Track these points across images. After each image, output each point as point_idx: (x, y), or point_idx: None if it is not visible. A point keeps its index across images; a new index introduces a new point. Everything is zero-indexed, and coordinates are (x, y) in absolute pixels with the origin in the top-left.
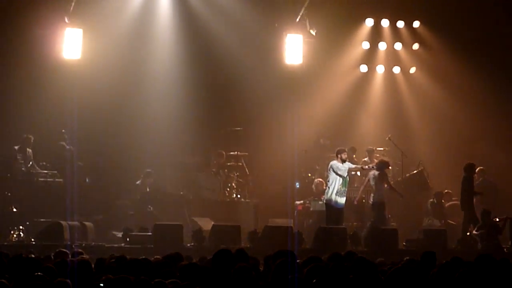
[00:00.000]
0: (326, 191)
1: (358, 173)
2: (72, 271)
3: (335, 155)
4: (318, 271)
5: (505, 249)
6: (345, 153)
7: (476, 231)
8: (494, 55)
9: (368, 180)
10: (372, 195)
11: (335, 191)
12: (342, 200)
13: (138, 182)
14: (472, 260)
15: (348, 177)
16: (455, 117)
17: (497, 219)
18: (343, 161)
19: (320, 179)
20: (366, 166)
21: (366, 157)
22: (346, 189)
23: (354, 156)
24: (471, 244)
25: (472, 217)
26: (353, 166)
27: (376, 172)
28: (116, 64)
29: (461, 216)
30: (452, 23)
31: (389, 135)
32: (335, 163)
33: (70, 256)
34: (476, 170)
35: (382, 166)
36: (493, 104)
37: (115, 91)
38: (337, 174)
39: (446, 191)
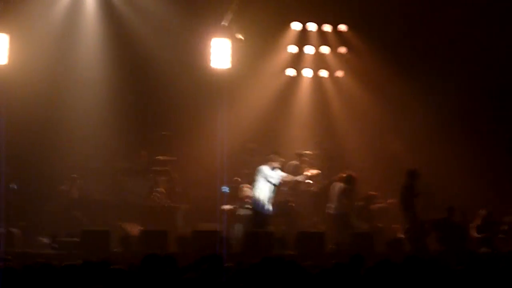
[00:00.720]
0: (254, 196)
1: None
2: None
3: (265, 160)
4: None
5: (432, 251)
6: (277, 161)
7: (404, 233)
8: (419, 59)
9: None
10: (332, 205)
11: (264, 197)
12: (270, 206)
13: (63, 187)
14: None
15: (275, 183)
16: (382, 120)
17: (425, 221)
18: (273, 168)
19: (248, 185)
20: (303, 179)
21: (295, 161)
22: (274, 195)
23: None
24: (399, 246)
25: (414, 220)
26: (286, 176)
27: (343, 185)
28: (43, 70)
29: (388, 218)
30: (379, 26)
31: (317, 139)
32: (266, 169)
33: None
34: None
35: (350, 180)
36: (417, 106)
37: (41, 96)
38: (267, 180)
39: (371, 193)
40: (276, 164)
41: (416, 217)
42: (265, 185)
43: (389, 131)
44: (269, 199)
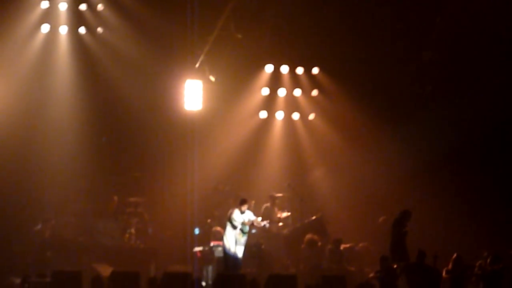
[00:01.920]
0: (224, 239)
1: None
2: None
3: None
4: None
5: None
6: (246, 204)
7: (374, 275)
8: (390, 102)
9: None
10: None
11: (232, 240)
12: (240, 248)
13: (37, 228)
14: None
15: (246, 226)
16: (352, 161)
17: (395, 265)
18: (242, 212)
19: (218, 228)
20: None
21: (268, 203)
22: (245, 237)
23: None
24: None
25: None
26: (248, 219)
27: None
28: (16, 110)
29: (360, 261)
30: (349, 70)
31: (288, 182)
32: (233, 213)
33: None
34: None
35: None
36: (387, 146)
37: (13, 134)
38: (232, 224)
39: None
40: (244, 208)
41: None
42: (232, 228)
43: (361, 173)
44: (239, 241)
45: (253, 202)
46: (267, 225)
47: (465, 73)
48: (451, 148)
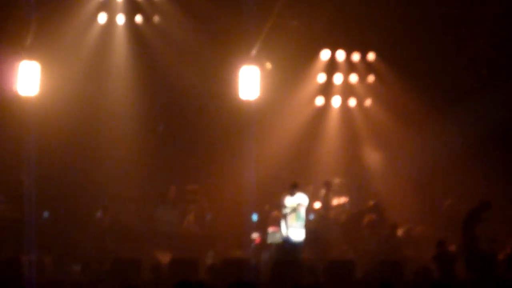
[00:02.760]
0: (281, 225)
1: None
2: None
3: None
4: None
5: (461, 280)
6: (296, 188)
7: (432, 261)
8: (444, 85)
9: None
10: None
11: (287, 226)
12: (297, 234)
13: (97, 215)
14: None
15: (299, 210)
16: (410, 148)
17: (453, 248)
18: (293, 195)
19: (276, 213)
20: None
21: (324, 189)
22: (301, 222)
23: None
24: (427, 274)
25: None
26: (299, 203)
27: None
28: (74, 99)
29: (417, 246)
30: (407, 55)
31: (346, 168)
32: (283, 198)
33: None
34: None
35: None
36: (445, 133)
37: (73, 125)
38: (284, 209)
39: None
40: (295, 192)
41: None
42: (286, 214)
43: (418, 159)
44: (294, 226)
45: (311, 187)
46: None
47: None
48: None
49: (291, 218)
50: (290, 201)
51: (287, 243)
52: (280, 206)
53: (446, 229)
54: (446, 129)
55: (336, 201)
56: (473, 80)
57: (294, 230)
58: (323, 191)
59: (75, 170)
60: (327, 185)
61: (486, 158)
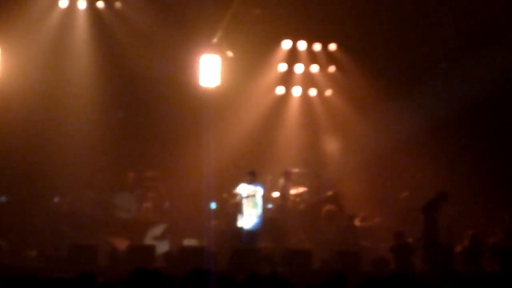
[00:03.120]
0: (238, 213)
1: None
2: None
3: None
4: None
5: (417, 271)
6: (252, 176)
7: (389, 252)
8: (408, 78)
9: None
10: None
11: (243, 213)
12: (252, 221)
13: (54, 201)
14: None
15: (256, 198)
16: (368, 137)
17: (411, 239)
18: (249, 183)
19: (234, 201)
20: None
21: (282, 179)
22: (258, 211)
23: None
24: (384, 265)
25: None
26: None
27: None
28: (35, 83)
29: (375, 237)
30: (367, 45)
31: (304, 157)
32: (239, 186)
33: None
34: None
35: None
36: (403, 127)
37: (32, 109)
38: (243, 197)
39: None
40: (251, 180)
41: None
42: (245, 201)
43: (378, 149)
44: (249, 214)
45: (270, 177)
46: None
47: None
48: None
49: (247, 206)
50: (246, 188)
51: (243, 232)
52: (236, 193)
53: (403, 220)
54: (404, 117)
55: (294, 190)
56: (432, 71)
57: (250, 218)
58: (281, 181)
59: (33, 154)
60: (286, 174)
61: (443, 144)
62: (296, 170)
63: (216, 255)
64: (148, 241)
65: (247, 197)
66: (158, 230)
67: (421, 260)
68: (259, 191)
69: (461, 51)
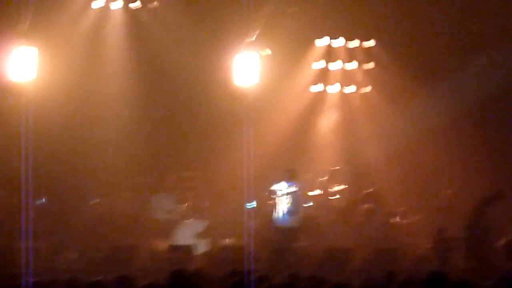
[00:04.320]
0: (277, 211)
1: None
2: None
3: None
4: None
5: (459, 268)
6: (291, 175)
7: (432, 248)
8: (448, 75)
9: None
10: None
11: (280, 211)
12: (291, 219)
13: (93, 203)
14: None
15: (296, 196)
16: (409, 135)
17: (453, 237)
18: (288, 182)
19: (274, 201)
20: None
21: (324, 177)
22: (297, 208)
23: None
24: (426, 262)
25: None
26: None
27: None
28: (71, 84)
29: (415, 234)
30: (407, 42)
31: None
32: (278, 184)
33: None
34: None
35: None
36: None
37: (70, 110)
38: (281, 196)
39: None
40: (288, 176)
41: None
42: (285, 199)
43: (418, 147)
44: (288, 211)
45: (309, 175)
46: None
47: None
48: None
49: (286, 204)
50: (285, 186)
51: (280, 230)
52: (275, 191)
53: (446, 217)
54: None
55: (334, 188)
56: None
57: (289, 216)
58: (321, 179)
59: (71, 156)
60: (326, 172)
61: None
62: (335, 167)
63: (256, 255)
64: (188, 239)
65: (287, 195)
66: (200, 227)
67: (463, 257)
68: (299, 189)
69: (496, 43)
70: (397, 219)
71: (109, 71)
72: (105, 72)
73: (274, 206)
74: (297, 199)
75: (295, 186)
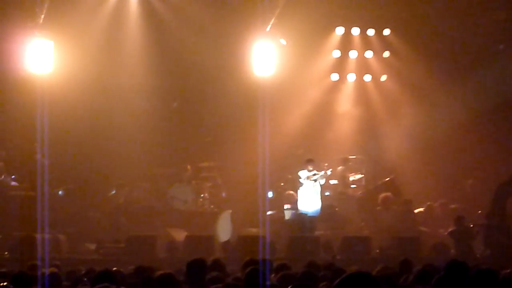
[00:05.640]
0: (297, 201)
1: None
2: (43, 284)
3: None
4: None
5: (478, 255)
6: (311, 163)
7: (450, 236)
8: (462, 63)
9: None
10: None
11: (303, 199)
12: (313, 208)
13: (111, 193)
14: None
15: (315, 185)
16: (425, 123)
17: (471, 225)
18: (310, 171)
19: (291, 191)
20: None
21: (340, 166)
22: (318, 196)
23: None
24: (444, 250)
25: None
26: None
27: None
28: (88, 77)
29: (433, 222)
30: (422, 31)
31: (361, 144)
32: (301, 172)
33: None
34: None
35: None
36: (461, 111)
37: (86, 103)
38: (303, 184)
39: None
40: (310, 166)
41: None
42: (303, 187)
43: (433, 134)
44: (311, 200)
45: (327, 164)
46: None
47: None
48: None
49: (306, 193)
50: (306, 175)
51: (301, 219)
52: (295, 180)
53: (466, 206)
54: (461, 100)
55: (352, 177)
56: (490, 54)
57: (308, 205)
58: (339, 168)
59: (89, 148)
60: (344, 161)
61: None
62: (353, 156)
63: (275, 244)
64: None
65: (307, 184)
66: (225, 217)
67: (482, 244)
68: (319, 178)
69: None
70: (419, 208)
71: (126, 62)
72: (122, 63)
73: (292, 196)
74: (317, 188)
75: (315, 176)
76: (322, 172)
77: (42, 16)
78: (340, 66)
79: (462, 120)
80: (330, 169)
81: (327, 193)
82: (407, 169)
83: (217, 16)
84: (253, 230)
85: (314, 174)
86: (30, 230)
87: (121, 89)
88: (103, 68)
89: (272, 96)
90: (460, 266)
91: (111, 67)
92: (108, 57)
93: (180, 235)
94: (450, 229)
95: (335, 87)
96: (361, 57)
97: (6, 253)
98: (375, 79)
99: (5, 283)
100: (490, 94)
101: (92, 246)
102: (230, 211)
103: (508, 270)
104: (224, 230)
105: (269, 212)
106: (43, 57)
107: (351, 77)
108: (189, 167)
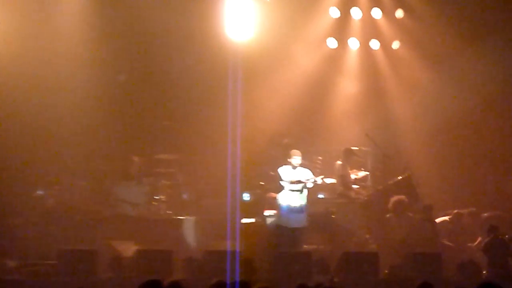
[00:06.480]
0: (279, 205)
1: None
2: None
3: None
4: None
5: None
6: (297, 157)
7: (482, 251)
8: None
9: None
10: None
11: (285, 206)
12: (296, 217)
13: (37, 194)
14: None
15: (302, 186)
16: (448, 103)
17: (507, 236)
18: (294, 167)
19: (274, 194)
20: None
21: (340, 160)
22: (303, 203)
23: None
24: (475, 270)
25: None
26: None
27: None
28: (23, 42)
29: (461, 235)
30: None
31: (367, 132)
32: (281, 169)
33: None
34: None
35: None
36: (487, 85)
37: (16, 88)
38: (283, 185)
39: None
40: (295, 161)
41: None
42: (285, 191)
43: (458, 118)
44: (293, 208)
45: (320, 158)
46: (319, 181)
47: None
48: None
49: (291, 197)
50: (289, 175)
51: (281, 230)
52: (277, 181)
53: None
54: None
55: (354, 175)
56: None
57: (295, 213)
58: (338, 163)
59: (5, 133)
60: (345, 154)
61: None
62: (356, 148)
63: (252, 262)
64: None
65: (291, 185)
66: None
67: None
68: (306, 177)
69: None
70: (446, 218)
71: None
72: (61, 25)
73: (275, 199)
74: (305, 190)
75: (304, 174)
76: (312, 178)
77: None
78: (339, 29)
79: (489, 100)
80: (322, 176)
81: (321, 196)
82: (427, 164)
83: None
84: (224, 244)
85: (299, 181)
86: None
87: (52, 56)
88: (41, 32)
89: (250, 67)
90: None
91: (50, 30)
92: (46, 19)
93: (128, 249)
94: (481, 241)
95: (333, 56)
96: (367, 18)
97: None
98: (385, 46)
99: None
100: None
101: (12, 263)
102: (194, 218)
103: None
104: (185, 243)
105: (244, 220)
106: None
107: (354, 44)
108: (136, 158)
